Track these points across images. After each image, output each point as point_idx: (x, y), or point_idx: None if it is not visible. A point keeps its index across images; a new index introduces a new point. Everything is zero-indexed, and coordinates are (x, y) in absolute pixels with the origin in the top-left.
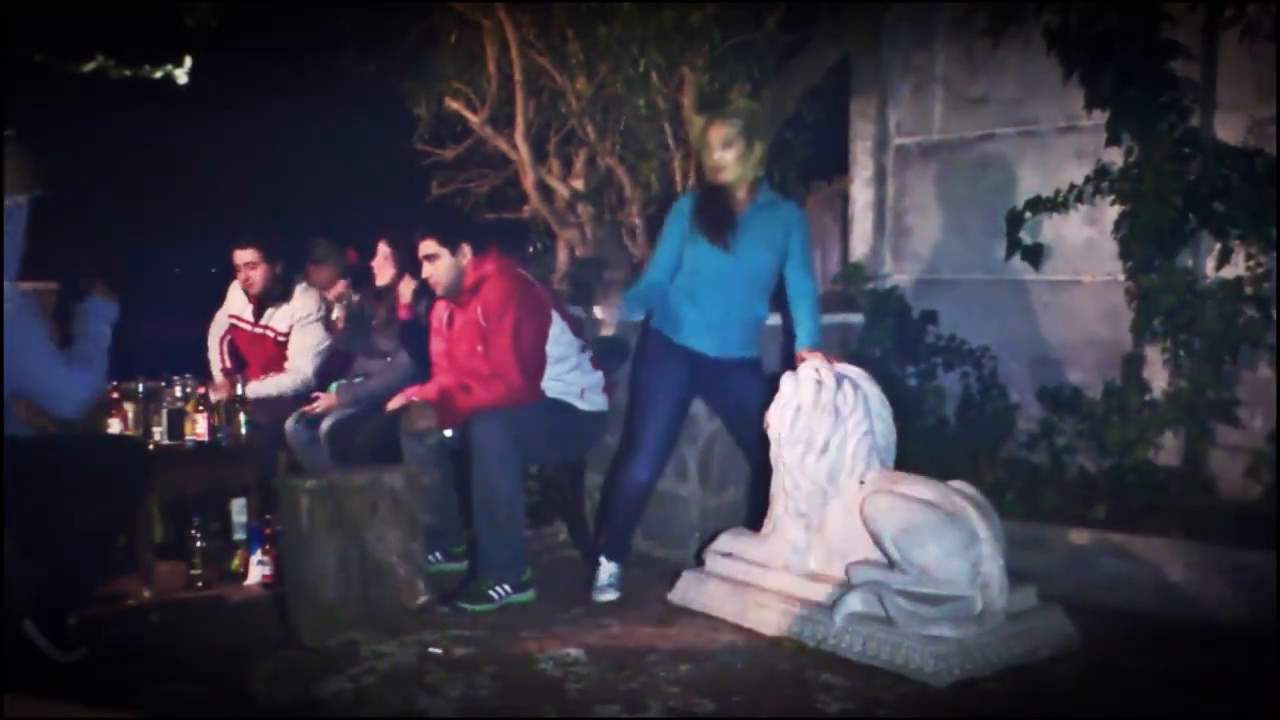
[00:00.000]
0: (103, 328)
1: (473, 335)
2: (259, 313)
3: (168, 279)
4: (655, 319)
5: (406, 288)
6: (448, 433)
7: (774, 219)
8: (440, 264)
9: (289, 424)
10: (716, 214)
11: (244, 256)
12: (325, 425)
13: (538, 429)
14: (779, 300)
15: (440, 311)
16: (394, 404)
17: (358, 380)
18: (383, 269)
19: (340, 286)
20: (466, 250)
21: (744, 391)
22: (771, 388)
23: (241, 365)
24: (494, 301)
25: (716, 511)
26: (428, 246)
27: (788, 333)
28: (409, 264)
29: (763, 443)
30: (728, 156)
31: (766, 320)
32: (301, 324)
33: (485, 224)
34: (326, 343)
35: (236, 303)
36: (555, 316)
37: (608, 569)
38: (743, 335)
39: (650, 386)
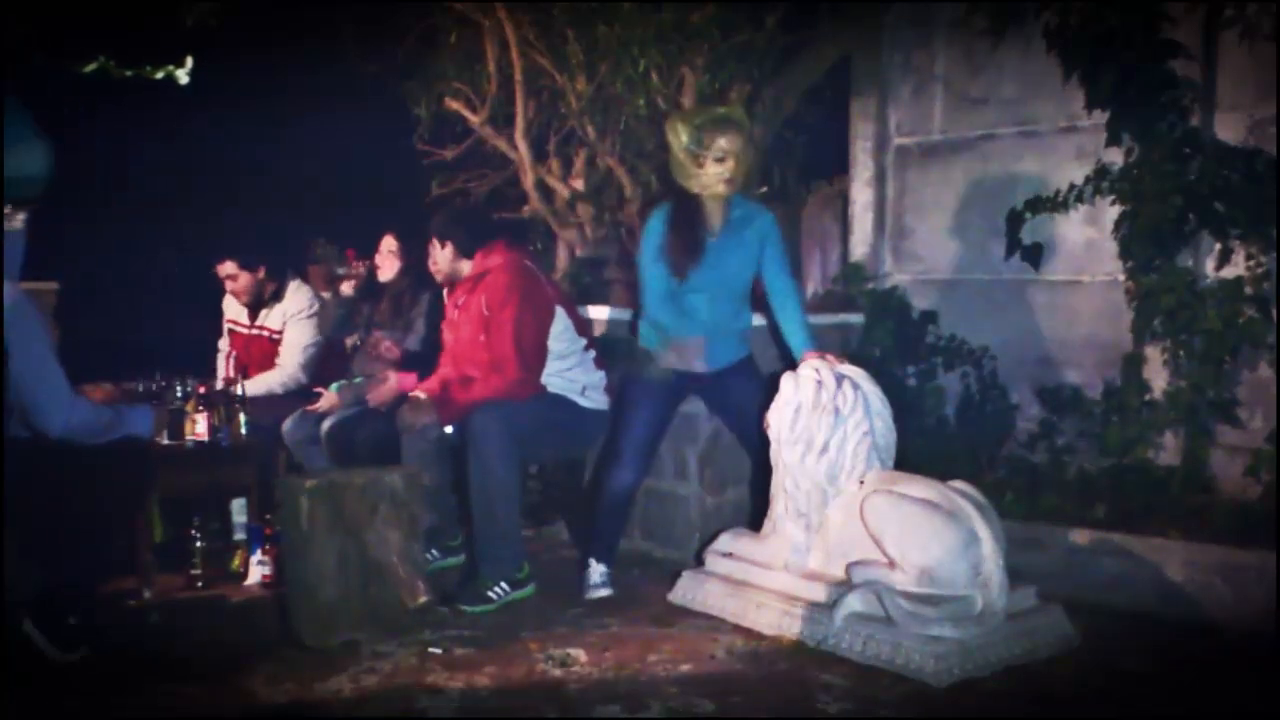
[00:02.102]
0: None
1: (475, 325)
2: (254, 315)
3: (168, 279)
4: (642, 338)
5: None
6: (448, 429)
7: (746, 230)
8: (434, 255)
9: (286, 425)
10: (683, 241)
11: (224, 270)
12: (325, 425)
13: (537, 424)
14: (763, 302)
15: (452, 299)
16: (382, 392)
17: (358, 380)
18: (388, 263)
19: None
20: (451, 246)
21: (741, 393)
22: (771, 388)
23: (241, 368)
24: (497, 293)
25: (716, 511)
26: (431, 240)
27: (775, 332)
28: (415, 259)
29: (763, 442)
30: (739, 170)
31: (751, 326)
32: (294, 320)
33: (495, 220)
34: (319, 339)
35: (233, 308)
36: (561, 313)
37: (598, 569)
38: (730, 345)
39: (635, 396)
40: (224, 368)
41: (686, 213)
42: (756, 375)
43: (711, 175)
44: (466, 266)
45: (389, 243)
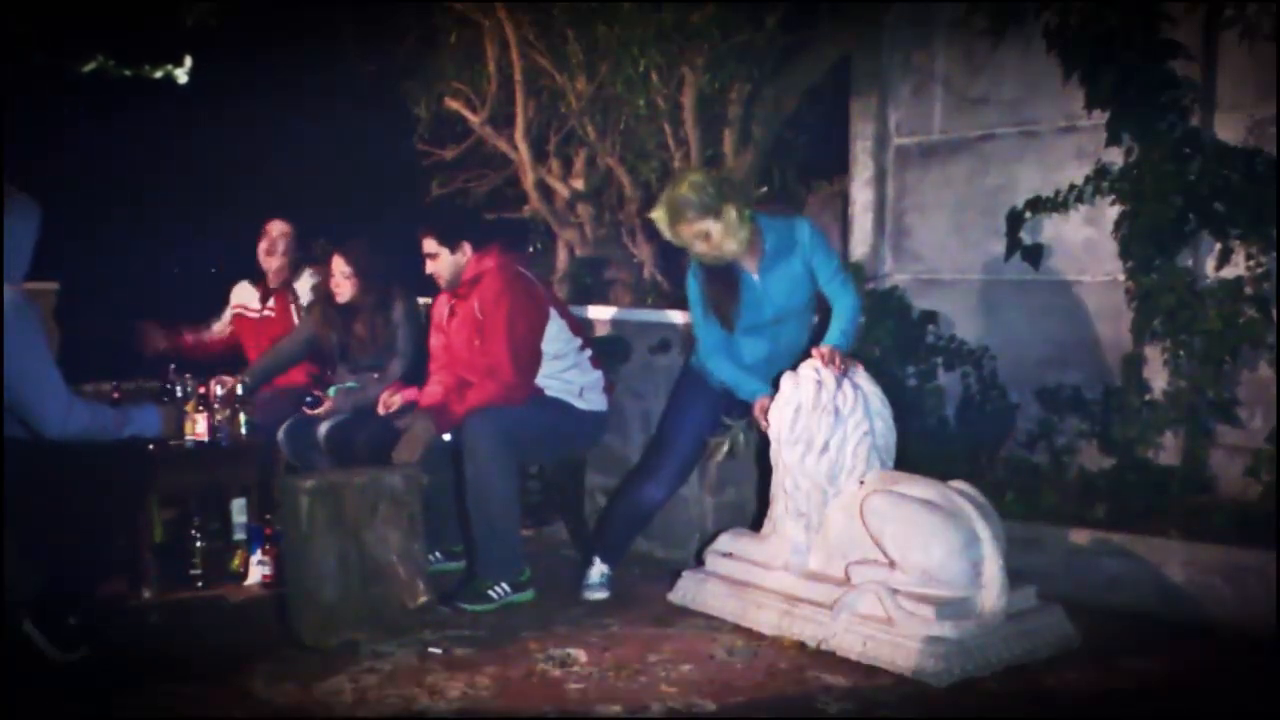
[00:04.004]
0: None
1: (470, 329)
2: (265, 300)
3: (168, 279)
4: (696, 358)
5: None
6: (446, 436)
7: (790, 259)
8: (440, 261)
9: (283, 430)
10: (724, 292)
11: (279, 228)
12: (324, 428)
13: (533, 428)
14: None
15: (441, 306)
16: (387, 400)
17: (352, 386)
18: (341, 287)
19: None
20: (466, 248)
21: None
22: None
23: (243, 362)
24: (490, 295)
25: (716, 511)
26: (428, 245)
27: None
28: (369, 278)
29: (763, 442)
30: (713, 239)
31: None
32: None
33: (489, 223)
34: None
35: (244, 293)
36: (554, 315)
37: (600, 569)
38: (789, 364)
39: (682, 410)
40: (221, 329)
41: (713, 275)
42: None
43: (703, 256)
44: (467, 266)
45: (340, 265)
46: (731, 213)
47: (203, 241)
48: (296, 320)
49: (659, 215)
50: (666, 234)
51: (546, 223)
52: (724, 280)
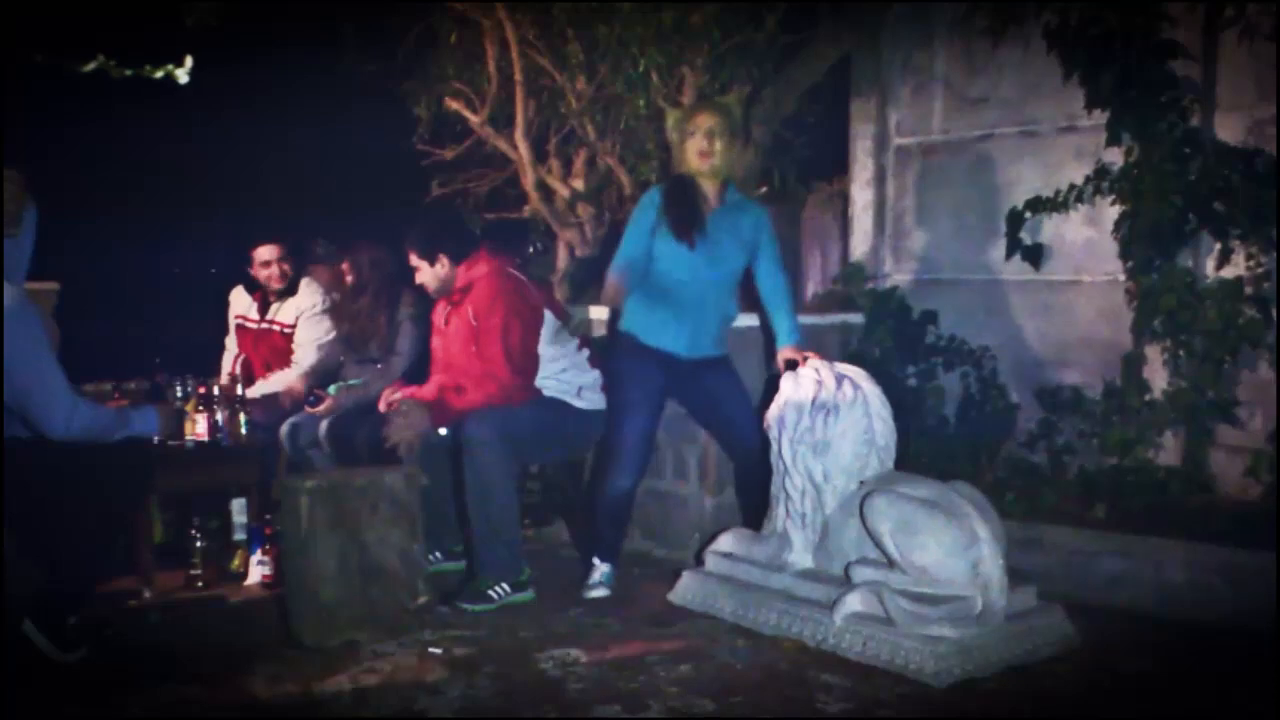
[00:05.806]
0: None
1: (465, 336)
2: (264, 309)
3: (168, 279)
4: (624, 321)
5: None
6: (442, 431)
7: (741, 218)
8: (424, 274)
9: (284, 428)
10: (684, 209)
11: (268, 254)
12: (324, 426)
13: (533, 428)
14: (756, 301)
15: (440, 311)
16: (389, 397)
17: (354, 383)
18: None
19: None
20: (444, 260)
21: (718, 387)
22: (771, 387)
23: (247, 366)
24: (483, 302)
25: (716, 511)
26: (411, 258)
27: (767, 334)
28: (361, 267)
29: (763, 443)
30: (716, 146)
31: (735, 319)
32: (307, 316)
33: (481, 225)
34: (331, 335)
35: (240, 304)
36: (549, 316)
37: (601, 569)
38: (714, 334)
39: (625, 391)
40: (229, 365)
41: (682, 187)
42: (734, 371)
43: (690, 151)
44: (458, 274)
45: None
46: (736, 149)
47: (203, 241)
48: (298, 329)
49: (680, 106)
50: (673, 118)
51: (546, 223)
52: (691, 200)
